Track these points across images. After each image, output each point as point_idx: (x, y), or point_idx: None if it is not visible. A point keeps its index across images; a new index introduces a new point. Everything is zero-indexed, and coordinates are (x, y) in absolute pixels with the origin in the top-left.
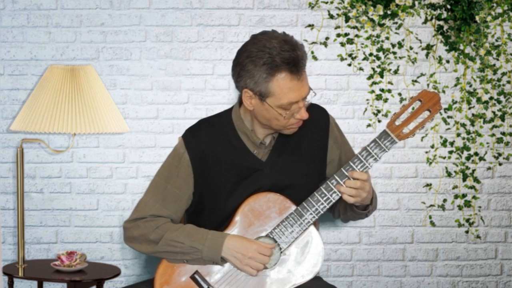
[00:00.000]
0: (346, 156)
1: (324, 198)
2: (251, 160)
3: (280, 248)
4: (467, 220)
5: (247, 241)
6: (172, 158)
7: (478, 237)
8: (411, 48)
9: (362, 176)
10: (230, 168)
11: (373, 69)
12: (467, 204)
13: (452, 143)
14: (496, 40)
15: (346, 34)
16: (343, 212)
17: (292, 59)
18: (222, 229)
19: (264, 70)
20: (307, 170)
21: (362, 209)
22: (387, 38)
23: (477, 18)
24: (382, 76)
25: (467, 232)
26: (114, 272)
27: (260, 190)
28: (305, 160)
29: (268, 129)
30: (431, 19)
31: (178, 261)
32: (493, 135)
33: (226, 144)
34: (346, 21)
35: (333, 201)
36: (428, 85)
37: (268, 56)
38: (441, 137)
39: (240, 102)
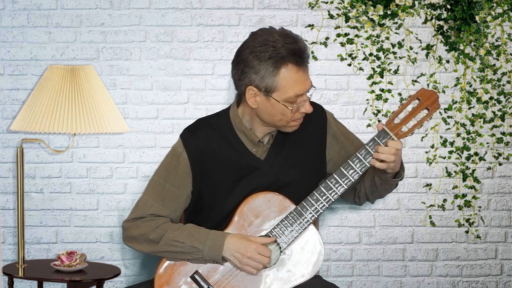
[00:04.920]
0: (354, 147)
1: (324, 197)
2: (249, 158)
3: (280, 248)
4: (467, 220)
5: (247, 241)
6: (171, 157)
7: (478, 237)
8: (411, 48)
9: (397, 145)
10: (229, 167)
11: (373, 69)
12: (467, 204)
13: (452, 143)
14: (496, 40)
15: (346, 34)
16: (371, 191)
17: (297, 50)
18: (222, 228)
19: (270, 64)
20: (305, 168)
21: (392, 177)
22: (387, 38)
23: (477, 18)
24: (382, 76)
25: (467, 232)
26: (114, 272)
27: (258, 188)
28: (303, 158)
29: (269, 127)
30: (431, 19)
31: (178, 260)
32: (493, 135)
33: (224, 143)
34: (346, 21)
35: (333, 200)
36: (428, 85)
37: (273, 50)
38: (441, 137)
39: (238, 101)
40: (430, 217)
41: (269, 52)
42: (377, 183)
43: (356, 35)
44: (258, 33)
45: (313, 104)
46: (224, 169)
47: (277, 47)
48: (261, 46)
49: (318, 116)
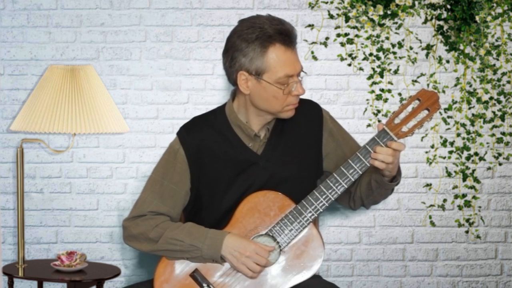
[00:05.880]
0: (349, 147)
1: (324, 197)
2: (246, 153)
3: (280, 246)
4: (467, 220)
5: (247, 241)
6: (168, 155)
7: (478, 237)
8: (411, 48)
9: (399, 147)
10: (226, 162)
11: (373, 69)
12: (467, 204)
13: (452, 143)
14: (496, 40)
15: (346, 34)
16: (367, 195)
17: (284, 30)
18: (221, 227)
19: (257, 44)
20: (302, 163)
21: (389, 181)
22: (387, 38)
23: (477, 18)
24: (382, 76)
25: (467, 232)
26: (114, 272)
27: (256, 184)
28: (300, 153)
29: (265, 116)
30: (431, 19)
31: (178, 258)
32: (493, 135)
33: (220, 139)
34: (346, 21)
35: (333, 199)
36: (428, 85)
37: (260, 30)
38: (441, 137)
39: (233, 97)
40: (430, 217)
41: (256, 33)
42: (373, 186)
43: (356, 35)
44: (245, 19)
45: (308, 101)
46: (222, 165)
47: (264, 27)
48: (248, 29)
49: (314, 113)
